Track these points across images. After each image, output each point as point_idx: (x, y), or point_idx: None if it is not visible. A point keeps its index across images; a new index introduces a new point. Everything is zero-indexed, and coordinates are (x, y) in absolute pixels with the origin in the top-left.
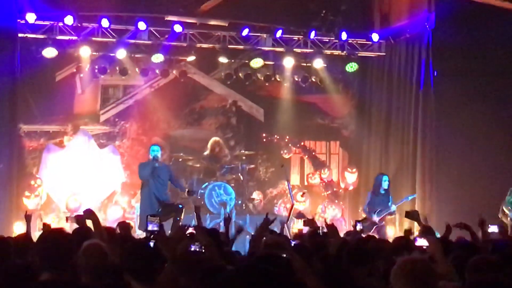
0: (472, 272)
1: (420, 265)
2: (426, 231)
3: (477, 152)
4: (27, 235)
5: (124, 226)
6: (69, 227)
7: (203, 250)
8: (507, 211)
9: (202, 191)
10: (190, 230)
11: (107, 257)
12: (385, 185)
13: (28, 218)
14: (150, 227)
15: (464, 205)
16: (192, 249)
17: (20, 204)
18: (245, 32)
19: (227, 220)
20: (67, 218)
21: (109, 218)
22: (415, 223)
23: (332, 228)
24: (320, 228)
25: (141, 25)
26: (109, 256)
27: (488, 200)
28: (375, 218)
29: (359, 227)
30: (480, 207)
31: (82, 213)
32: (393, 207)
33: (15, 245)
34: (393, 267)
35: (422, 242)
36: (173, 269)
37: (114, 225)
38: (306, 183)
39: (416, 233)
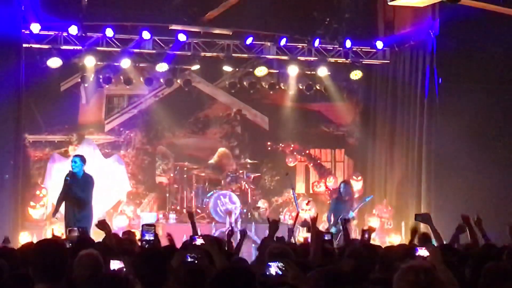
0: (487, 279)
1: (423, 273)
2: (424, 238)
3: (482, 159)
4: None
5: (130, 235)
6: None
7: (197, 261)
8: None
9: (207, 200)
10: (199, 240)
11: (101, 267)
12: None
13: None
14: (146, 237)
15: (469, 212)
16: (188, 260)
17: (26, 214)
18: (249, 40)
19: (230, 234)
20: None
21: (115, 228)
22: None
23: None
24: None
25: (145, 35)
26: (104, 266)
27: (494, 208)
28: (339, 226)
29: (366, 236)
30: (485, 214)
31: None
32: (351, 214)
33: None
34: (395, 274)
35: (422, 252)
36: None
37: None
38: (311, 191)
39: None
